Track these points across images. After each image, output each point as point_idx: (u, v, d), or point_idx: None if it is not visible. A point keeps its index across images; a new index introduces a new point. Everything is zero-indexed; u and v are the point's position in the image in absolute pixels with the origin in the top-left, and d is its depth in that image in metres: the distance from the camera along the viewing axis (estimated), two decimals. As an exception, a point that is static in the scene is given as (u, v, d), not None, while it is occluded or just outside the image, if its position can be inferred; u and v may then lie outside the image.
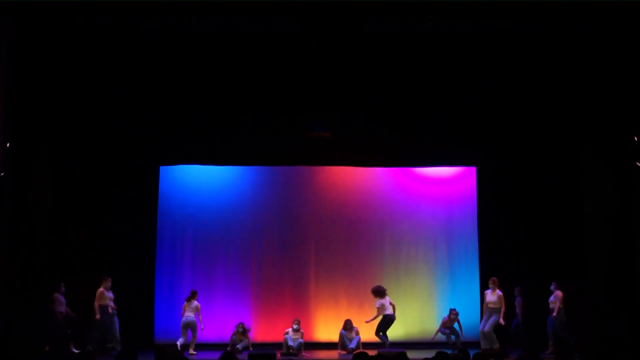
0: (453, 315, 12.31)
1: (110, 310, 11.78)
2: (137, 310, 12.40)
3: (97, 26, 10.67)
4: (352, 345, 12.05)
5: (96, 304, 11.73)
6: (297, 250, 13.29)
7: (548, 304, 11.82)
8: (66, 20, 10.41)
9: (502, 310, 11.81)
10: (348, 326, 12.22)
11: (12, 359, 9.16)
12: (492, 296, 11.89)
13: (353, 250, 13.34)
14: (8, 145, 9.98)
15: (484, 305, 12.07)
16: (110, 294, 11.86)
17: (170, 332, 12.26)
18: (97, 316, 11.65)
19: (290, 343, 11.91)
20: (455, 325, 12.34)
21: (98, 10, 9.96)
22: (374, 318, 12.19)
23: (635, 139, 10.24)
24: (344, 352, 12.03)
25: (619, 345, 10.26)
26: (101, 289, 11.80)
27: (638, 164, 10.26)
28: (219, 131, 12.52)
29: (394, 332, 12.85)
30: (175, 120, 12.30)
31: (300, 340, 11.96)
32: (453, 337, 12.23)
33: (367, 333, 12.38)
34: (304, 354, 11.92)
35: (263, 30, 10.92)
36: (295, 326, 12.10)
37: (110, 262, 12.30)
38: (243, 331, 12.13)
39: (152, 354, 7.85)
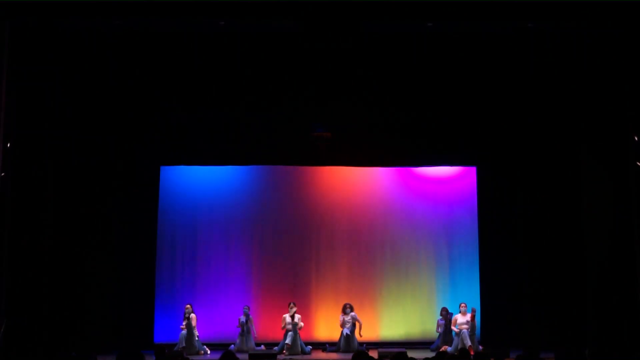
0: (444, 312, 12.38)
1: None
2: (137, 309, 12.40)
3: (97, 26, 10.68)
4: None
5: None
6: (297, 250, 13.28)
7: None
8: (66, 20, 10.42)
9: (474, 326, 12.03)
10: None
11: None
12: (463, 318, 12.00)
13: (353, 250, 13.34)
14: (8, 145, 9.99)
15: (454, 327, 12.04)
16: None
17: (170, 332, 12.25)
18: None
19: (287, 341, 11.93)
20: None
21: (98, 11, 9.97)
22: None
23: (635, 138, 10.25)
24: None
25: (619, 345, 10.27)
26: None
27: (638, 163, 10.26)
28: (220, 131, 12.54)
29: (395, 332, 12.88)
30: (176, 120, 12.29)
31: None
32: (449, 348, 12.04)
33: (367, 333, 12.44)
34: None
35: (263, 30, 10.92)
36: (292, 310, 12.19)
37: (110, 262, 12.30)
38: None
39: (152, 354, 7.83)
